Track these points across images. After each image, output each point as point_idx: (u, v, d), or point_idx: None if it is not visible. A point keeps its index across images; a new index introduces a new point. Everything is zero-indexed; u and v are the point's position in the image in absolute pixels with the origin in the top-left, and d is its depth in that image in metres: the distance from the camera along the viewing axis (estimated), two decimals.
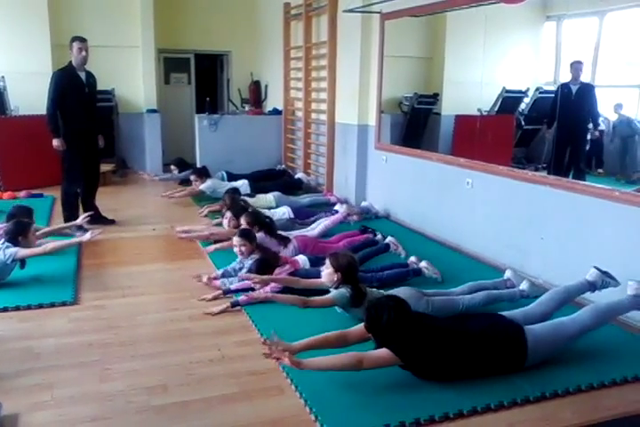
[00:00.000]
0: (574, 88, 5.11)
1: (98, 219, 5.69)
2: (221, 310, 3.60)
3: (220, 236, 4.87)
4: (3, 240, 4.03)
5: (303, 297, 3.31)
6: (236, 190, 6.17)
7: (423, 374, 2.71)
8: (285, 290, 3.66)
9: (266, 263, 3.90)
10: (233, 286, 3.91)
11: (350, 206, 5.09)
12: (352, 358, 2.59)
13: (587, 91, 5.16)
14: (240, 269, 4.13)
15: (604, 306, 3.07)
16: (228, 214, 4.97)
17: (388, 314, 2.63)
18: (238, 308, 3.62)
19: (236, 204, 5.32)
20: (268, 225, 4.61)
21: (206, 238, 4.99)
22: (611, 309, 3.06)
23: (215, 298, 3.79)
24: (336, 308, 3.43)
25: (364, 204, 6.20)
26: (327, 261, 3.38)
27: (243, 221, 4.62)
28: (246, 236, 4.17)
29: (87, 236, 4.10)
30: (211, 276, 4.10)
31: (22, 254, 3.95)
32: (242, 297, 3.66)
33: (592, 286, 3.29)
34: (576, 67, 5.10)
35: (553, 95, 5.46)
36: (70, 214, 5.52)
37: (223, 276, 4.13)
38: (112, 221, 5.79)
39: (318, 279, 3.49)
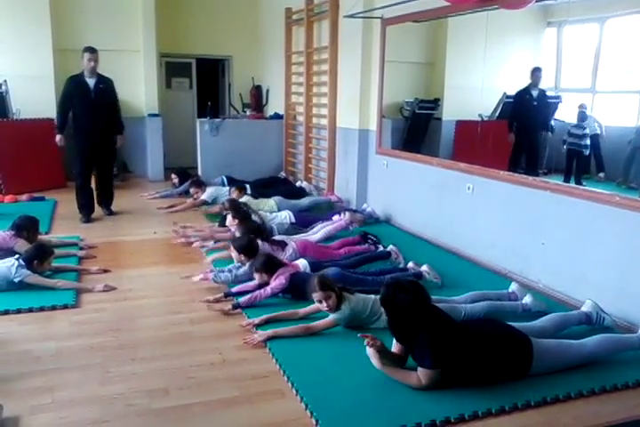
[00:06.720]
0: (535, 93, 5.59)
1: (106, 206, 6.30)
2: (221, 309, 3.63)
3: (221, 237, 4.89)
4: (18, 256, 4.06)
5: (305, 324, 3.30)
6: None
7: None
8: (288, 289, 3.76)
9: (270, 263, 3.92)
10: (234, 289, 3.91)
11: (353, 215, 5.12)
12: (415, 379, 2.68)
13: (544, 96, 5.68)
14: (238, 268, 4.17)
15: (614, 338, 3.09)
16: (230, 218, 4.98)
17: (405, 295, 2.66)
18: (239, 311, 3.63)
19: (236, 208, 5.32)
20: (260, 232, 4.59)
21: (207, 239, 5.05)
22: (619, 342, 3.06)
23: (217, 301, 3.79)
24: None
25: (367, 209, 6.19)
26: (315, 295, 3.29)
27: (237, 234, 4.67)
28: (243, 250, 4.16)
29: (99, 287, 4.04)
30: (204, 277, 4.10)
31: (31, 280, 3.95)
32: (242, 299, 3.68)
33: (589, 319, 3.32)
34: (537, 74, 5.61)
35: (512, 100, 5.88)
36: (85, 202, 6.08)
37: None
38: (111, 213, 6.31)
39: (315, 305, 3.41)
